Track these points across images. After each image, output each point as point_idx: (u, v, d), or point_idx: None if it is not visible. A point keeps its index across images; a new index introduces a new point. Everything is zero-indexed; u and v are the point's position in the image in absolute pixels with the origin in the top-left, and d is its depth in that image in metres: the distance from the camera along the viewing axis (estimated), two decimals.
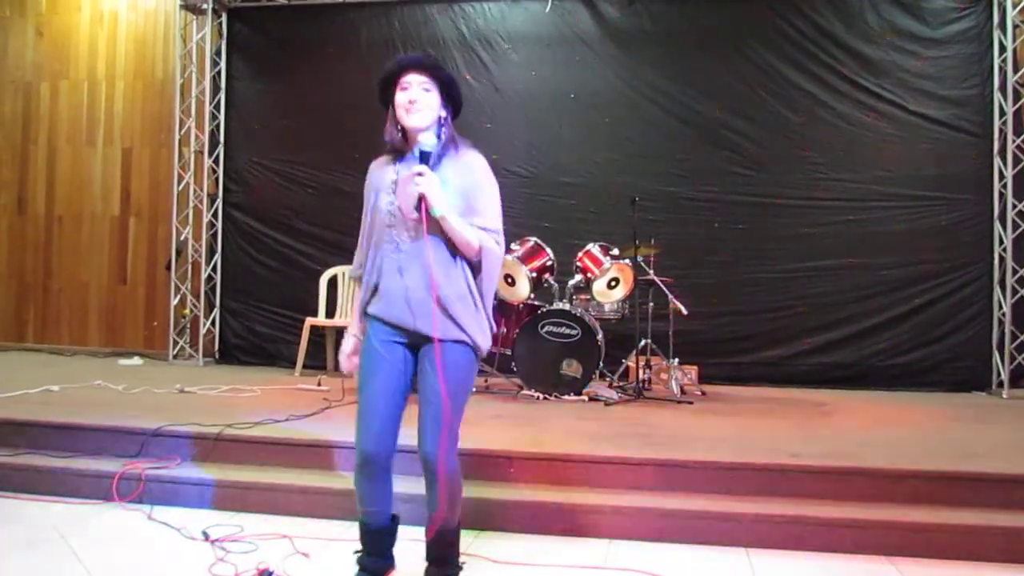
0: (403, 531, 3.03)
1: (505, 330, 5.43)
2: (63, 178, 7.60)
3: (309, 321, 6.15)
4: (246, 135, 7.06)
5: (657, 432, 4.15)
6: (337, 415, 4.39)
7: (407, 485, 3.18)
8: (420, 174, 2.33)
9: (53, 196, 7.61)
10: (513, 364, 5.30)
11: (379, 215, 2.48)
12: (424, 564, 2.55)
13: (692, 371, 5.68)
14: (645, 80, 6.40)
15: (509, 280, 5.35)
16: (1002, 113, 5.91)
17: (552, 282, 5.55)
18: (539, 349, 5.22)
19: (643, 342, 5.56)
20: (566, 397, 5.17)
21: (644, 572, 2.92)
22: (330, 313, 6.32)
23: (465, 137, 2.54)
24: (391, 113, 2.47)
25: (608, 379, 5.73)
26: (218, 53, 7.06)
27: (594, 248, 5.61)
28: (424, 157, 2.37)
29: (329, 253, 6.54)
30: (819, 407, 5.15)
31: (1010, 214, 5.88)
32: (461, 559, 2.58)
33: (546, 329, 5.22)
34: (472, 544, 3.09)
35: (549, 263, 5.51)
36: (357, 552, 2.57)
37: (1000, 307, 5.90)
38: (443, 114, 2.46)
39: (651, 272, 5.58)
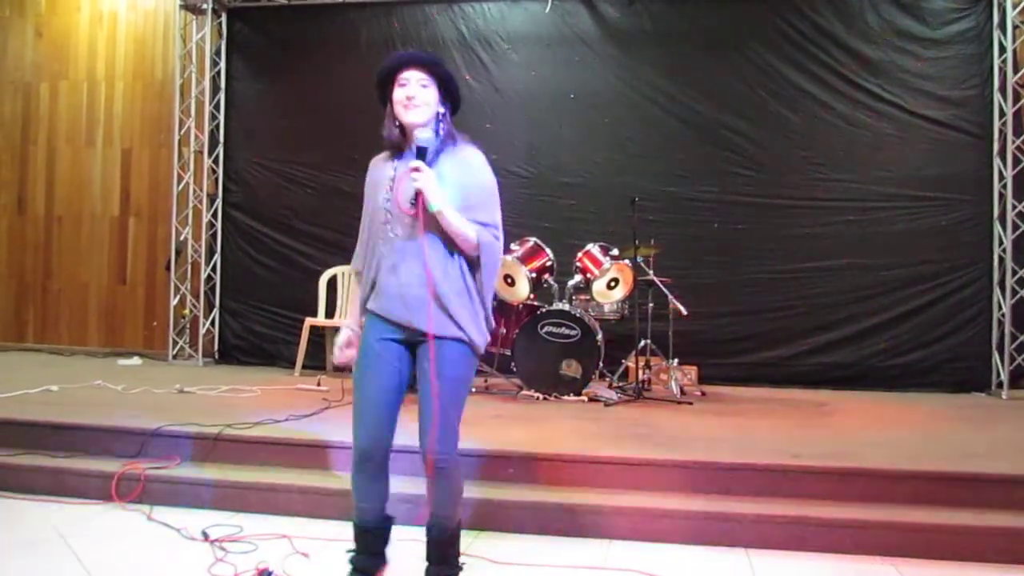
0: (403, 531, 3.02)
1: (505, 330, 5.43)
2: (63, 178, 7.59)
3: (309, 321, 6.15)
4: (246, 135, 7.05)
5: (657, 432, 4.15)
6: (337, 415, 4.38)
7: (407, 485, 3.18)
8: (417, 169, 2.34)
9: (53, 196, 7.61)
10: (513, 364, 5.30)
11: (376, 211, 2.49)
12: (424, 564, 2.55)
13: (692, 371, 5.68)
14: (645, 80, 6.40)
15: (509, 280, 5.35)
16: (1002, 114, 5.91)
17: (552, 282, 5.55)
18: (539, 349, 5.22)
19: (643, 342, 5.57)
20: (566, 397, 5.17)
21: (644, 572, 2.92)
22: (330, 313, 6.31)
23: (473, 142, 2.53)
24: (389, 110, 2.47)
25: (608, 379, 5.73)
26: (218, 53, 7.06)
27: (594, 248, 5.61)
28: (421, 152, 2.37)
29: (329, 253, 6.54)
30: (819, 407, 5.15)
31: (1010, 215, 5.88)
32: (461, 559, 2.57)
33: (546, 329, 5.22)
34: (472, 544, 3.09)
35: (549, 263, 5.51)
36: (350, 551, 2.57)
37: (1000, 308, 5.90)
38: (441, 110, 2.47)
39: (651, 272, 5.58)
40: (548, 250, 5.51)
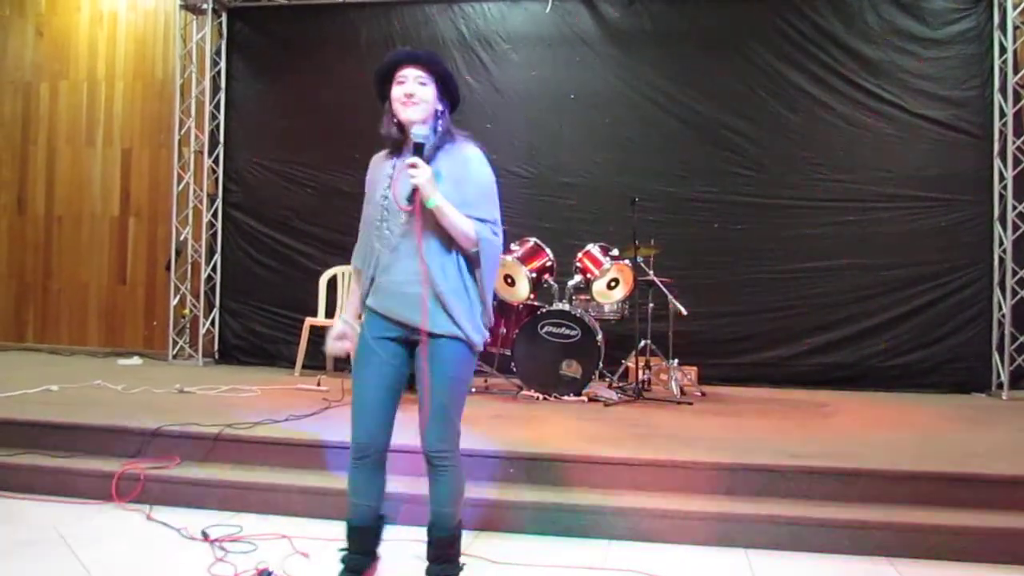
0: (403, 531, 3.03)
1: (505, 330, 5.43)
2: (63, 178, 7.60)
3: (309, 321, 6.15)
4: (246, 135, 7.05)
5: (657, 433, 4.15)
6: (337, 415, 4.38)
7: (407, 485, 3.19)
8: (414, 166, 2.34)
9: (53, 196, 7.61)
10: (513, 364, 5.30)
11: (375, 208, 2.49)
12: (424, 564, 2.55)
13: (692, 372, 5.68)
14: (645, 80, 6.40)
15: (509, 280, 5.35)
16: (1002, 114, 5.91)
17: (552, 283, 5.55)
18: (539, 350, 5.21)
19: (643, 343, 5.56)
20: (566, 398, 5.17)
21: (644, 572, 2.92)
22: (330, 313, 6.31)
23: (472, 139, 2.53)
24: (388, 107, 2.47)
25: (608, 380, 5.73)
26: (218, 53, 7.06)
27: (594, 248, 5.61)
28: (418, 149, 2.37)
29: (329, 253, 6.54)
30: (819, 408, 5.15)
31: (1010, 215, 5.88)
32: (461, 559, 2.57)
33: (546, 330, 5.22)
34: (472, 544, 3.09)
35: (549, 263, 5.51)
36: (342, 550, 2.57)
37: (1000, 308, 5.90)
38: (440, 108, 2.47)
39: (651, 272, 5.58)
40: (548, 250, 5.51)
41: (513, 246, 5.49)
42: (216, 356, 6.99)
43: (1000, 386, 5.81)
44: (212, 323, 7.03)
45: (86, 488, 3.60)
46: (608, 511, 3.30)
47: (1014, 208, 5.89)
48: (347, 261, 2.69)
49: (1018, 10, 5.84)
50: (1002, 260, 5.91)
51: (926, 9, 6.07)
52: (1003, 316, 5.86)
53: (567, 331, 5.19)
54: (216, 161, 7.05)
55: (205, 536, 3.16)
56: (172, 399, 4.88)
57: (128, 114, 7.47)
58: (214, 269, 7.05)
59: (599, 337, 5.27)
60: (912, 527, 3.11)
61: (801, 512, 3.22)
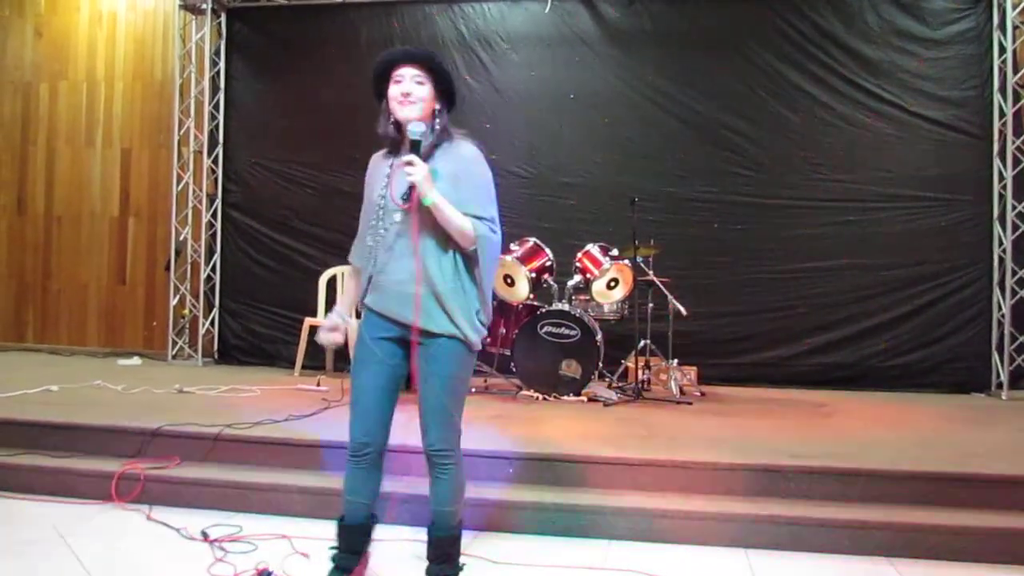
0: (403, 531, 3.03)
1: (504, 330, 5.43)
2: (62, 179, 7.60)
3: (308, 321, 6.15)
4: (245, 135, 7.05)
5: (656, 432, 4.15)
6: (336, 415, 4.37)
7: (407, 485, 3.19)
8: (410, 163, 2.34)
9: (52, 197, 7.61)
10: (512, 364, 5.30)
11: (372, 207, 2.50)
12: (424, 564, 2.55)
13: (691, 372, 5.68)
14: (645, 80, 6.39)
15: (508, 280, 5.35)
16: (1002, 114, 5.91)
17: (551, 282, 5.55)
18: (538, 350, 5.21)
19: (642, 343, 5.57)
20: (565, 398, 5.17)
21: (644, 572, 2.91)
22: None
23: (471, 137, 2.53)
24: (385, 106, 2.47)
25: (607, 380, 5.73)
26: (217, 53, 7.06)
27: (593, 248, 5.61)
28: (415, 146, 2.37)
29: (329, 253, 6.53)
30: (819, 408, 5.15)
31: (1010, 215, 5.88)
32: (461, 559, 2.57)
33: (545, 330, 5.22)
34: (472, 544, 3.08)
35: (548, 263, 5.51)
36: (332, 549, 2.57)
37: (1000, 308, 5.90)
38: (437, 107, 2.46)
39: (651, 272, 5.58)
40: (548, 250, 5.51)
41: (513, 246, 5.49)
42: (216, 356, 6.99)
43: (1000, 386, 5.80)
44: (212, 323, 7.03)
45: (86, 488, 3.60)
46: (608, 511, 3.29)
47: (1014, 208, 5.89)
48: (346, 261, 2.70)
49: (1017, 10, 5.84)
50: (1002, 260, 5.91)
51: (926, 9, 6.07)
52: (1003, 316, 5.87)
53: (567, 331, 5.19)
54: (215, 161, 7.05)
55: (205, 536, 3.16)
56: (172, 399, 4.88)
57: (127, 114, 7.48)
58: (213, 269, 7.05)
59: (599, 337, 5.27)
60: (912, 527, 3.11)
61: (801, 512, 3.22)
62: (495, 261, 2.51)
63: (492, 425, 4.21)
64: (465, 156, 2.46)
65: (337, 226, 6.50)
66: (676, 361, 5.53)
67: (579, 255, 5.60)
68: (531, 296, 5.42)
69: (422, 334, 2.41)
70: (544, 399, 5.17)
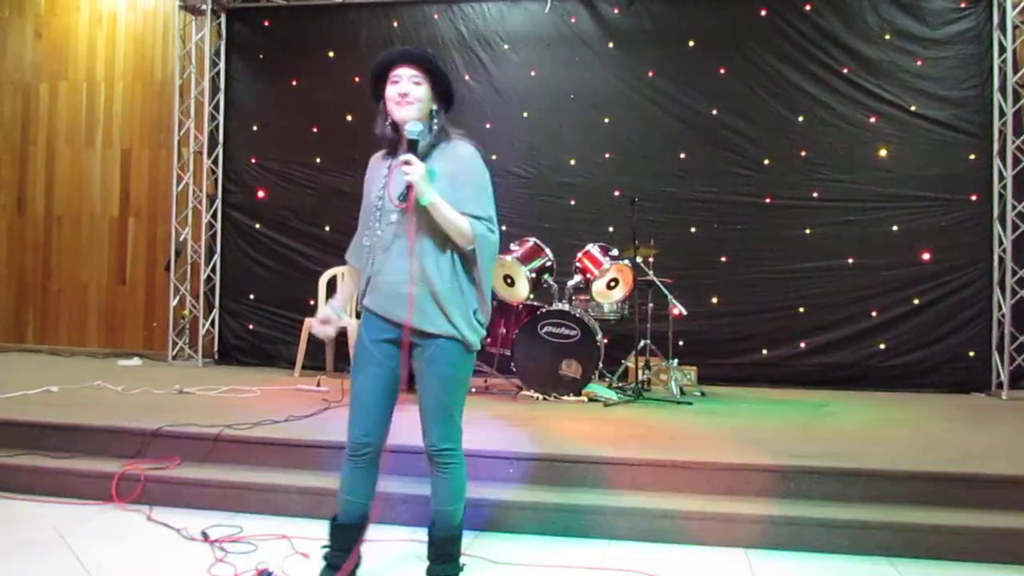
0: (403, 531, 3.03)
1: (504, 330, 5.43)
2: (62, 179, 7.60)
3: (308, 321, 6.14)
4: (245, 136, 7.05)
5: (657, 432, 4.15)
6: (336, 415, 4.37)
7: (407, 485, 3.19)
8: (407, 163, 2.33)
9: (52, 197, 7.62)
10: (512, 365, 5.30)
11: (370, 208, 2.50)
12: (425, 564, 2.55)
13: (691, 371, 5.68)
14: (645, 80, 6.40)
15: (508, 281, 5.35)
16: (1002, 114, 5.91)
17: (551, 283, 5.55)
18: (538, 350, 5.21)
19: (642, 343, 5.57)
20: (565, 398, 5.17)
21: (644, 572, 2.91)
22: None
23: (468, 137, 2.53)
24: (382, 107, 2.47)
25: (607, 380, 5.73)
26: (217, 54, 7.06)
27: (593, 248, 5.61)
28: (412, 146, 2.37)
29: (328, 253, 6.53)
30: (819, 408, 5.15)
31: (1010, 215, 5.88)
32: (462, 559, 2.57)
33: (545, 330, 5.22)
34: (472, 544, 3.08)
35: (548, 263, 5.51)
36: (325, 547, 2.57)
37: (1000, 308, 5.90)
38: (435, 107, 2.46)
39: (651, 272, 5.58)
40: (548, 250, 5.51)
41: (513, 246, 5.49)
42: (216, 357, 6.99)
43: (1000, 386, 5.80)
44: (212, 324, 7.03)
45: (86, 489, 3.60)
46: (608, 511, 3.29)
47: (1013, 208, 5.88)
48: (347, 261, 2.70)
49: (1017, 9, 5.84)
50: (1002, 260, 5.91)
51: (926, 9, 6.07)
52: (1003, 316, 5.86)
53: (567, 331, 5.19)
54: (215, 162, 7.05)
55: (205, 536, 3.16)
56: (172, 400, 4.88)
57: (127, 115, 7.48)
58: (213, 270, 7.05)
59: (599, 337, 5.27)
60: (912, 527, 3.11)
61: (801, 512, 3.22)
62: (493, 260, 2.51)
63: (492, 425, 4.21)
64: (463, 156, 2.46)
65: (337, 226, 6.51)
66: (676, 361, 5.53)
67: (579, 255, 5.60)
68: (531, 296, 5.42)
69: (420, 335, 2.41)
70: (544, 399, 5.17)
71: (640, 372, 5.44)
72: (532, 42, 6.59)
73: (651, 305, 5.61)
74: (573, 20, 6.50)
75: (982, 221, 5.98)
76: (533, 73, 6.57)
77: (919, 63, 6.05)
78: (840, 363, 6.08)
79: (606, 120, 6.43)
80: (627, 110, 6.40)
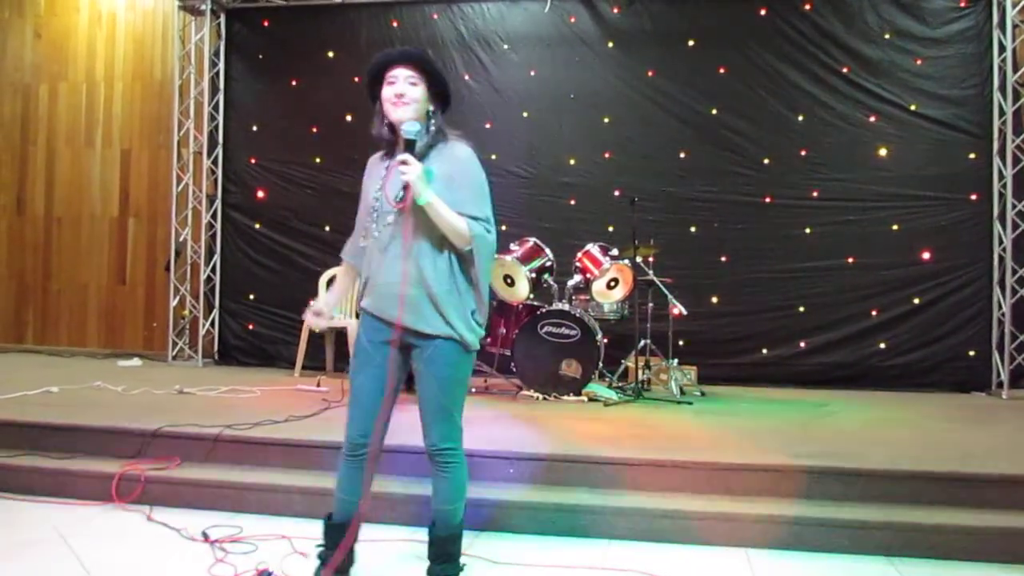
0: (403, 531, 3.03)
1: (504, 330, 5.43)
2: (62, 179, 7.60)
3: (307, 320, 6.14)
4: (245, 136, 7.05)
5: (657, 432, 4.15)
6: (336, 416, 4.37)
7: (407, 485, 3.19)
8: (404, 163, 2.34)
9: (52, 197, 7.62)
10: (512, 365, 5.29)
11: (367, 209, 2.51)
12: (425, 564, 2.55)
13: (692, 371, 5.68)
14: (645, 80, 6.40)
15: (508, 280, 5.35)
16: (1002, 113, 5.91)
17: (551, 282, 5.55)
18: (538, 350, 5.21)
19: (642, 342, 5.56)
20: (565, 398, 5.17)
21: (644, 572, 2.91)
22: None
23: (465, 138, 2.54)
24: (379, 108, 2.48)
25: (607, 379, 5.72)
26: (217, 54, 7.06)
27: (593, 248, 5.61)
28: (409, 146, 2.37)
29: (328, 254, 6.52)
30: (819, 407, 5.15)
31: (1010, 214, 5.88)
32: (462, 559, 2.57)
33: (545, 330, 5.22)
34: (472, 544, 3.08)
35: (548, 263, 5.51)
36: (319, 546, 2.58)
37: (1000, 307, 5.90)
38: (431, 107, 2.47)
39: (651, 272, 5.58)
40: (548, 250, 5.51)
41: (512, 246, 5.49)
42: (216, 357, 6.99)
43: (1000, 385, 5.80)
44: (212, 324, 7.03)
45: (86, 489, 3.60)
46: (608, 511, 3.29)
47: (1013, 207, 5.88)
48: None
49: (1017, 9, 5.84)
50: (1002, 259, 5.91)
51: (926, 9, 6.07)
52: (1003, 315, 5.86)
53: (567, 331, 5.19)
54: (215, 162, 7.05)
55: (205, 537, 3.16)
56: (172, 400, 4.88)
57: (127, 115, 7.48)
58: (213, 270, 7.05)
59: (599, 337, 5.27)
60: (912, 527, 3.11)
61: (801, 512, 3.22)
62: (491, 261, 2.51)
63: (492, 425, 4.21)
64: (459, 157, 2.46)
65: (337, 226, 6.51)
66: (676, 361, 5.53)
67: (579, 255, 5.60)
68: (531, 296, 5.41)
69: (418, 336, 2.42)
70: (544, 399, 5.16)
71: (640, 372, 5.44)
72: (532, 42, 6.59)
73: (651, 305, 5.61)
74: (573, 20, 6.51)
75: (982, 220, 5.98)
76: (533, 73, 6.58)
77: (919, 62, 6.05)
78: (840, 363, 6.08)
79: (606, 120, 6.44)
80: (627, 110, 6.40)
